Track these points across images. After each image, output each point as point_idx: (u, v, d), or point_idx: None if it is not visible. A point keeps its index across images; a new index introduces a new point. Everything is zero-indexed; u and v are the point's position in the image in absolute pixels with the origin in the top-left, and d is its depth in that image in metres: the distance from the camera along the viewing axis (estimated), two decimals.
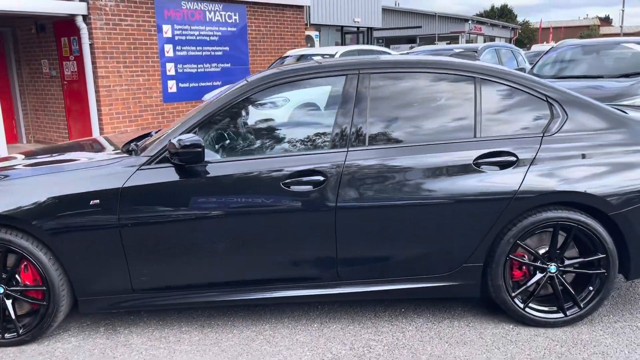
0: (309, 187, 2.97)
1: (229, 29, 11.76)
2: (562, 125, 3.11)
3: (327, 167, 2.99)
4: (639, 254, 3.11)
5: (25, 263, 3.03)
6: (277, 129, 3.48)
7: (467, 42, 42.26)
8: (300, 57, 10.13)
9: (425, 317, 3.31)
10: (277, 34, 13.05)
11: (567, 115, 3.13)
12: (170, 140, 2.94)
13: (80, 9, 9.36)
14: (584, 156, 3.05)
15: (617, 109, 3.42)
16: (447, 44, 19.48)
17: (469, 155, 3.02)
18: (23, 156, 3.72)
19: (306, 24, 17.46)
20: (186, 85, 11.01)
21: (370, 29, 21.30)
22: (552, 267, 3.11)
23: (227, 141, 3.24)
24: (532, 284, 3.13)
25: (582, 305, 3.13)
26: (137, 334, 3.19)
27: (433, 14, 41.27)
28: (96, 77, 9.58)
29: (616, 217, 3.02)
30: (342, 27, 19.76)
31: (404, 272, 3.12)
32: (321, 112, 3.50)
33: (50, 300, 3.03)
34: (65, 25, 9.74)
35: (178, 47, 10.79)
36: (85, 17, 9.46)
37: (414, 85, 3.22)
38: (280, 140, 3.30)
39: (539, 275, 3.12)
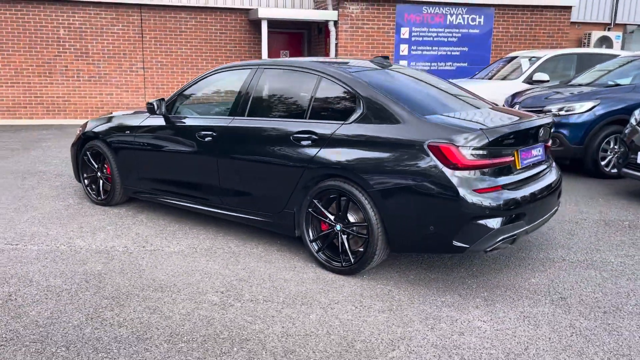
0: (209, 139, 4.68)
1: (471, 30, 12.60)
2: (358, 117, 3.92)
3: (217, 127, 4.62)
4: (392, 229, 3.71)
5: (106, 162, 5.66)
6: (208, 102, 5.22)
7: None
8: (514, 58, 10.44)
9: (269, 241, 4.57)
10: (530, 36, 13.07)
11: (364, 109, 3.91)
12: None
13: (332, 15, 12.01)
14: (360, 143, 3.82)
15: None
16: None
17: (291, 131, 4.18)
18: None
19: (609, 25, 16.20)
20: None
21: None
22: (338, 226, 3.99)
23: (188, 105, 5.17)
24: (324, 235, 4.08)
25: (352, 260, 3.92)
26: (148, 216, 5.49)
27: None
28: None
29: (372, 194, 3.72)
30: None
31: (255, 208, 4.49)
32: (237, 91, 4.90)
33: (112, 184, 5.59)
34: (329, 29, 12.57)
35: (413, 47, 12.37)
36: (335, 23, 12.06)
37: (286, 79, 4.49)
38: (201, 108, 5.05)
39: (329, 230, 4.05)
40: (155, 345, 3.00)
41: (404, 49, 12.35)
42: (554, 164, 4.50)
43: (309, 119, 4.18)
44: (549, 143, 4.38)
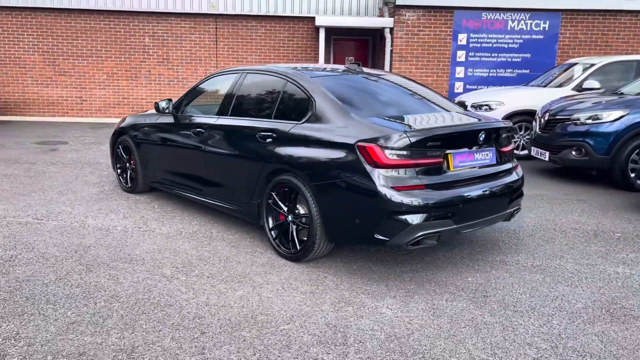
0: (200, 135, 5.25)
1: (534, 36, 12.26)
2: (309, 118, 4.28)
3: (206, 124, 5.18)
4: (327, 221, 4.03)
5: (132, 156, 6.43)
6: (210, 102, 5.74)
7: None
8: (574, 65, 10.12)
9: (249, 230, 5.02)
10: (601, 41, 12.46)
11: (315, 111, 4.26)
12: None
13: (388, 23, 12.27)
14: (306, 141, 4.18)
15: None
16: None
17: (258, 130, 4.62)
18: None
19: None
20: (474, 87, 12.39)
21: None
22: (290, 217, 4.38)
23: (189, 104, 5.76)
24: (280, 224, 4.48)
25: (298, 247, 4.28)
26: (160, 203, 6.18)
27: None
28: None
29: (311, 188, 4.07)
30: None
31: (232, 198, 4.98)
32: (226, 94, 5.38)
33: (135, 174, 6.35)
34: (384, 35, 12.82)
35: (471, 54, 12.28)
36: (391, 30, 12.29)
37: (262, 82, 4.93)
38: (202, 108, 5.60)
39: (284, 220, 4.44)
40: (94, 302, 3.58)
41: (461, 55, 12.29)
42: (516, 169, 4.55)
43: (274, 118, 4.60)
44: (508, 147, 4.45)
